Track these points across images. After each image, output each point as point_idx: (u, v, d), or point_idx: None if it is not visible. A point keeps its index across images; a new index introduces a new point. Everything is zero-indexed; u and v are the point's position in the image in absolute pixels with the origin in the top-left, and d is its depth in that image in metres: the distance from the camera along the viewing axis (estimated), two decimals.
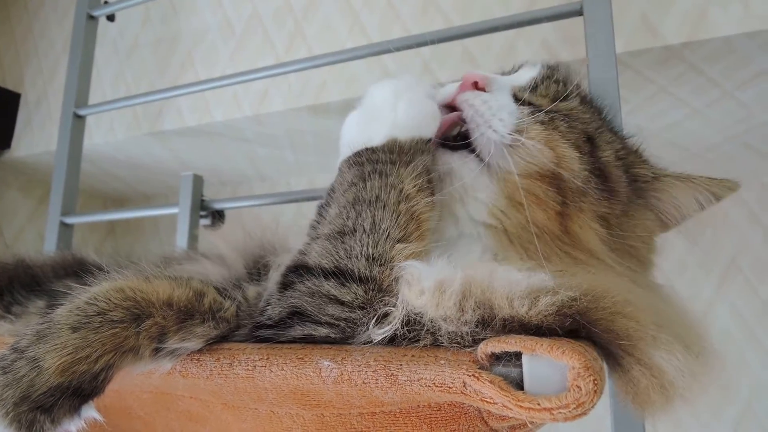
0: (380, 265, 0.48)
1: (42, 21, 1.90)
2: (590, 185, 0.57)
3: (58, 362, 0.43)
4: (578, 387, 0.35)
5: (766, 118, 1.24)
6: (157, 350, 0.48)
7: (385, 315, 0.46)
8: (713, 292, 1.43)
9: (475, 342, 0.42)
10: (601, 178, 0.58)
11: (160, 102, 1.53)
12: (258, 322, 0.51)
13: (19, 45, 1.93)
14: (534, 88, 0.64)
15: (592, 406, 0.36)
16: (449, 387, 0.39)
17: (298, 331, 0.48)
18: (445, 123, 0.60)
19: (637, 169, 0.63)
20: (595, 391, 0.35)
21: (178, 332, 0.48)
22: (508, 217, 0.56)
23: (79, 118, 1.41)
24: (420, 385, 0.41)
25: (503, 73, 0.70)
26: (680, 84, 1.14)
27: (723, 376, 0.47)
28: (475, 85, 0.62)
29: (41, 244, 1.38)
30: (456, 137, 0.61)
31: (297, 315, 0.49)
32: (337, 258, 0.49)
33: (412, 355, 0.43)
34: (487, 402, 0.38)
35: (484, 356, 0.40)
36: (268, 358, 0.47)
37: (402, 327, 0.46)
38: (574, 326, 0.42)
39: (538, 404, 0.36)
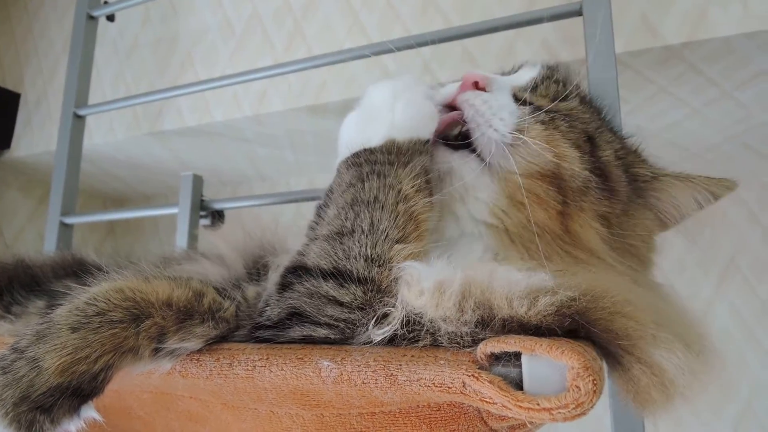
0: (379, 265, 0.48)
1: (42, 21, 1.90)
2: (591, 184, 0.57)
3: (58, 362, 0.43)
4: (577, 387, 0.35)
5: (765, 118, 1.24)
6: (156, 350, 0.48)
7: (385, 315, 0.46)
8: (712, 292, 1.43)
9: (475, 342, 0.42)
10: (601, 177, 0.58)
11: (159, 102, 1.53)
12: (257, 323, 0.51)
13: (19, 45, 1.93)
14: (534, 88, 0.65)
15: (592, 406, 0.36)
16: (449, 387, 0.40)
17: (297, 332, 0.48)
18: (444, 122, 0.60)
19: (636, 169, 0.63)
20: (595, 391, 0.35)
21: (177, 332, 0.48)
22: (509, 216, 0.56)
23: (79, 118, 1.41)
24: (419, 386, 0.41)
25: (503, 74, 0.71)
26: (680, 84, 1.15)
27: (723, 375, 0.47)
28: (476, 85, 0.62)
29: (41, 244, 1.38)
30: (457, 137, 0.61)
31: (296, 316, 0.49)
32: (336, 259, 0.50)
33: (412, 356, 0.43)
34: (486, 402, 0.38)
35: (483, 356, 0.40)
36: (267, 358, 0.47)
37: (402, 327, 0.46)
38: (573, 326, 0.42)
39: (538, 404, 0.36)
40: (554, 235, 0.55)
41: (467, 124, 0.60)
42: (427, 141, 0.58)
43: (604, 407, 0.61)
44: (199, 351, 0.51)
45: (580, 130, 0.60)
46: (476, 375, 0.39)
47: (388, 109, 0.58)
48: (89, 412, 0.46)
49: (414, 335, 0.46)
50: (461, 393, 0.39)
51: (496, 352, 0.40)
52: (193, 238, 1.19)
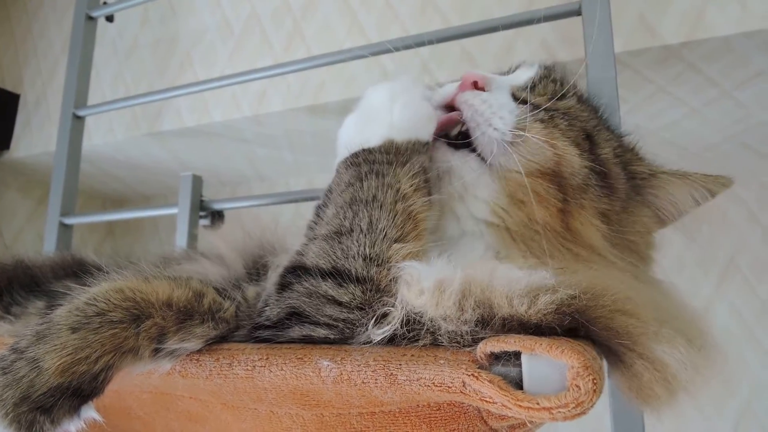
0: (377, 265, 0.48)
1: (41, 22, 1.90)
2: (590, 182, 0.58)
3: (58, 363, 0.43)
4: (577, 386, 0.35)
5: (764, 117, 1.24)
6: (156, 351, 0.48)
7: (384, 315, 0.46)
8: (712, 292, 1.43)
9: (475, 341, 0.42)
10: (600, 175, 0.59)
11: (159, 102, 1.53)
12: (257, 323, 0.51)
13: (19, 46, 1.93)
14: (532, 87, 0.65)
15: (591, 406, 0.36)
16: (448, 386, 0.40)
17: (296, 331, 0.48)
18: (443, 122, 0.60)
19: (634, 167, 0.63)
20: (594, 391, 0.35)
21: (177, 333, 0.48)
22: (510, 215, 0.56)
23: (79, 119, 1.41)
24: (419, 385, 0.41)
25: (501, 74, 0.71)
26: (679, 83, 1.15)
27: (724, 371, 0.47)
28: (475, 85, 0.62)
29: (40, 245, 1.38)
30: (457, 136, 0.61)
31: (295, 316, 0.49)
32: (335, 258, 0.50)
33: (412, 355, 0.43)
34: (486, 401, 0.38)
35: (483, 356, 0.40)
36: (267, 358, 0.47)
37: (401, 327, 0.46)
38: (573, 325, 0.42)
39: (538, 404, 0.36)
40: (555, 232, 0.55)
41: (467, 123, 0.60)
42: (426, 142, 0.58)
43: (604, 406, 0.61)
44: (199, 351, 0.51)
45: (579, 128, 0.61)
46: (476, 374, 0.39)
47: (387, 110, 0.58)
48: (89, 412, 0.46)
49: (414, 335, 0.46)
50: (461, 392, 0.39)
51: (495, 351, 0.40)
52: (192, 238, 1.19)
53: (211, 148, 1.67)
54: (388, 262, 0.49)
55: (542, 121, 0.59)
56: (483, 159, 0.58)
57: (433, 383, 0.40)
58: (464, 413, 0.44)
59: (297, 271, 0.51)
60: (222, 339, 0.52)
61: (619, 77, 0.87)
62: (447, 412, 0.44)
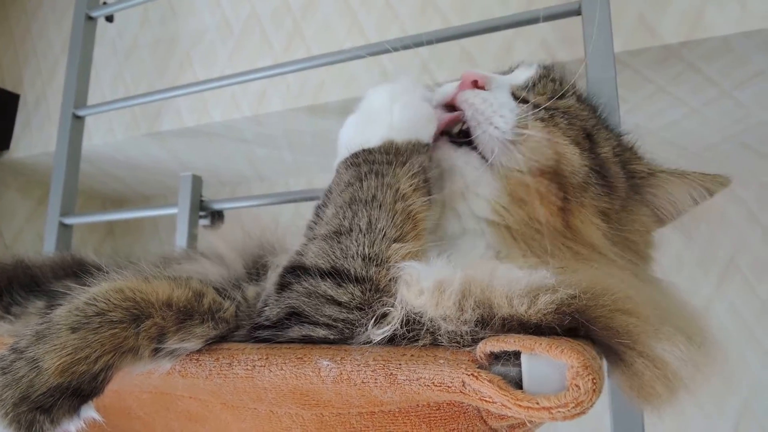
0: (376, 265, 0.48)
1: (40, 22, 1.90)
2: (591, 180, 0.58)
3: (58, 363, 0.43)
4: (577, 386, 0.35)
5: (763, 117, 1.24)
6: (156, 350, 0.48)
7: (384, 315, 0.46)
8: (712, 292, 1.43)
9: (475, 341, 0.42)
10: (600, 173, 0.59)
11: (158, 102, 1.53)
12: (256, 323, 0.51)
13: (18, 46, 1.93)
14: (531, 86, 0.65)
15: (591, 405, 0.36)
16: (448, 386, 0.40)
17: (296, 331, 0.48)
18: (445, 121, 0.61)
19: (633, 166, 0.64)
20: (594, 390, 0.35)
21: (177, 333, 0.48)
22: (511, 213, 0.56)
23: (78, 119, 1.41)
24: (419, 385, 0.41)
25: (500, 74, 0.71)
26: (678, 83, 1.15)
27: (724, 368, 0.47)
28: (475, 84, 0.62)
29: (40, 245, 1.38)
30: (458, 134, 0.61)
31: (295, 316, 0.49)
32: (334, 258, 0.50)
33: (411, 355, 0.43)
34: (486, 401, 0.38)
35: (483, 355, 0.40)
36: (267, 358, 0.47)
37: (401, 327, 0.46)
38: (573, 324, 0.42)
39: (537, 403, 0.36)
40: (556, 231, 0.56)
41: (467, 122, 0.60)
42: (426, 143, 0.58)
43: (603, 406, 0.61)
44: (199, 351, 0.51)
45: (579, 127, 0.61)
46: (476, 374, 0.39)
47: (387, 111, 0.59)
48: (89, 412, 0.46)
49: (414, 334, 0.46)
50: (461, 392, 0.39)
51: (495, 351, 0.40)
52: (192, 238, 1.19)
53: (211, 148, 1.67)
54: (387, 262, 0.49)
55: (543, 119, 0.59)
56: (484, 158, 0.58)
57: (433, 383, 0.40)
58: (464, 413, 0.44)
59: (296, 271, 0.51)
60: (222, 339, 0.52)
61: (619, 77, 0.87)
62: (447, 411, 0.44)
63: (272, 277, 0.54)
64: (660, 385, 0.43)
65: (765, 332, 1.37)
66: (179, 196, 1.22)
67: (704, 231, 1.43)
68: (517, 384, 0.38)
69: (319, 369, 0.44)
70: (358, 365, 0.43)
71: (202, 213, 1.23)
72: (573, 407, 0.35)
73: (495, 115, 0.59)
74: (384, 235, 0.50)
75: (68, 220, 1.34)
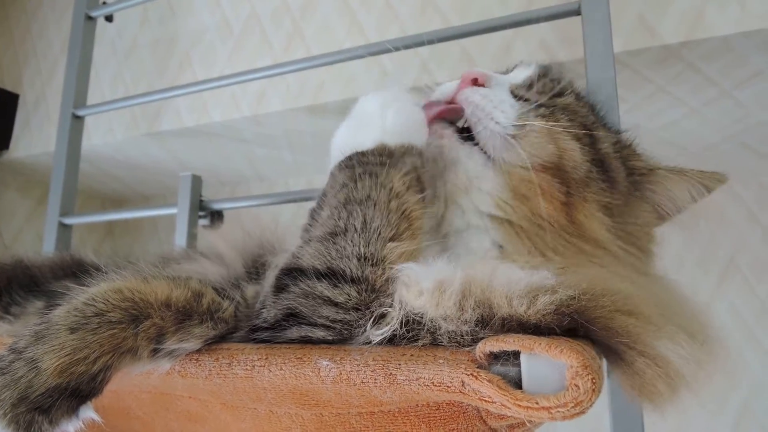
0: (372, 264, 0.48)
1: (40, 21, 1.90)
2: (592, 175, 0.58)
3: (56, 363, 0.43)
4: (576, 386, 0.35)
5: (763, 117, 1.24)
6: (155, 351, 0.48)
7: (383, 316, 0.46)
8: (712, 292, 1.43)
9: (474, 341, 0.42)
10: (601, 168, 0.60)
11: (158, 102, 1.53)
12: (254, 325, 0.51)
13: (18, 46, 1.93)
14: (531, 85, 0.65)
15: (591, 405, 0.36)
16: (448, 386, 0.40)
17: (294, 332, 0.48)
18: (443, 110, 0.61)
19: (632, 162, 0.64)
20: (594, 390, 0.35)
21: (176, 333, 0.48)
22: (514, 209, 0.57)
23: (78, 119, 1.41)
24: (418, 385, 0.41)
25: (500, 74, 0.71)
26: (678, 83, 1.15)
27: (725, 368, 0.47)
28: (475, 82, 0.63)
29: (40, 245, 1.38)
30: (461, 130, 0.62)
31: (292, 317, 0.49)
32: (329, 258, 0.49)
33: (411, 355, 0.43)
34: (485, 401, 0.38)
35: (482, 355, 0.40)
36: (266, 358, 0.47)
37: (401, 327, 0.46)
38: (572, 325, 0.42)
39: (537, 403, 0.36)
40: (559, 226, 0.56)
41: (468, 120, 0.61)
42: (419, 148, 0.59)
43: (603, 406, 0.61)
44: (198, 351, 0.51)
45: (579, 123, 0.62)
46: (475, 374, 0.39)
47: (379, 116, 0.59)
48: (88, 412, 0.45)
49: (413, 335, 0.45)
50: (460, 392, 0.39)
51: (495, 351, 0.40)
52: (192, 238, 1.19)
53: (211, 148, 1.67)
54: (382, 261, 0.49)
55: (543, 116, 0.60)
56: (486, 153, 0.59)
57: (433, 383, 0.40)
58: (463, 413, 0.44)
59: (293, 272, 0.51)
60: (221, 339, 0.52)
61: (619, 77, 0.87)
62: (446, 411, 0.44)
63: (270, 278, 0.54)
64: (661, 384, 0.43)
65: (765, 332, 1.37)
66: (179, 196, 1.22)
67: (704, 231, 1.43)
68: (517, 384, 0.38)
69: (319, 369, 0.44)
70: (358, 365, 0.43)
71: (201, 213, 1.23)
72: (572, 407, 0.35)
73: (495, 110, 0.60)
74: (379, 234, 0.50)
75: (68, 220, 1.34)
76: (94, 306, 0.46)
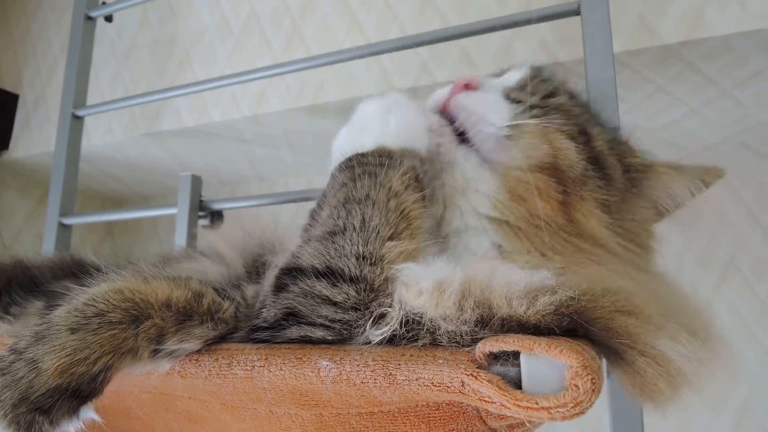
0: (371, 264, 0.48)
1: (40, 22, 1.90)
2: (588, 173, 0.58)
3: (57, 364, 0.43)
4: (576, 386, 0.35)
5: (763, 117, 1.24)
6: (155, 351, 0.48)
7: (382, 316, 0.46)
8: (712, 292, 1.43)
9: (474, 341, 0.42)
10: (597, 166, 0.60)
11: (158, 103, 1.53)
12: (254, 325, 0.51)
13: (17, 46, 1.93)
14: (523, 87, 0.66)
15: (590, 405, 0.36)
16: (447, 386, 0.40)
17: (294, 332, 0.48)
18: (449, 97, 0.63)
19: (629, 159, 0.64)
20: (593, 390, 0.35)
21: (176, 333, 0.48)
22: (511, 210, 0.57)
23: (78, 119, 1.41)
24: (418, 385, 0.41)
25: (492, 77, 0.72)
26: (678, 83, 1.15)
27: (727, 366, 0.47)
28: (467, 87, 0.64)
29: (40, 245, 1.38)
30: (458, 134, 0.62)
31: (292, 316, 0.49)
32: (328, 258, 0.50)
33: (411, 355, 0.43)
34: (485, 401, 0.38)
35: (482, 355, 0.40)
36: (266, 358, 0.47)
37: (400, 327, 0.46)
38: (571, 326, 0.42)
39: (536, 403, 0.36)
40: (558, 225, 0.56)
41: (462, 125, 0.61)
42: (420, 154, 0.59)
43: (603, 406, 0.61)
44: (198, 351, 0.51)
45: (573, 122, 0.62)
46: (475, 374, 0.39)
47: (381, 120, 0.60)
48: (88, 413, 0.46)
49: (413, 335, 0.45)
50: (460, 392, 0.39)
51: (494, 351, 0.40)
52: (191, 238, 1.19)
53: (211, 149, 1.67)
54: (381, 260, 0.49)
55: (537, 117, 0.60)
56: (482, 156, 0.59)
57: (432, 383, 0.40)
58: (463, 413, 0.44)
59: (292, 272, 0.51)
60: (221, 339, 0.52)
61: (618, 77, 0.87)
62: (446, 411, 0.44)
63: (270, 278, 0.54)
64: (663, 383, 0.43)
65: (765, 332, 1.37)
66: (178, 196, 1.22)
67: (704, 231, 1.43)
68: (516, 384, 0.38)
69: (319, 369, 0.44)
70: (358, 365, 0.43)
71: (201, 213, 1.23)
72: (572, 407, 0.35)
73: (489, 112, 0.60)
74: (378, 233, 0.50)
75: (67, 221, 1.34)
76: (95, 306, 0.46)
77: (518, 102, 0.63)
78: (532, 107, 0.61)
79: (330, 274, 0.48)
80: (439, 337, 0.45)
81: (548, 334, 0.41)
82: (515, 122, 0.59)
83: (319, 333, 0.47)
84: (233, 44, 1.50)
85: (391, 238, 0.50)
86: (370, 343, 0.46)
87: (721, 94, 1.17)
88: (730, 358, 0.48)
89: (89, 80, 1.45)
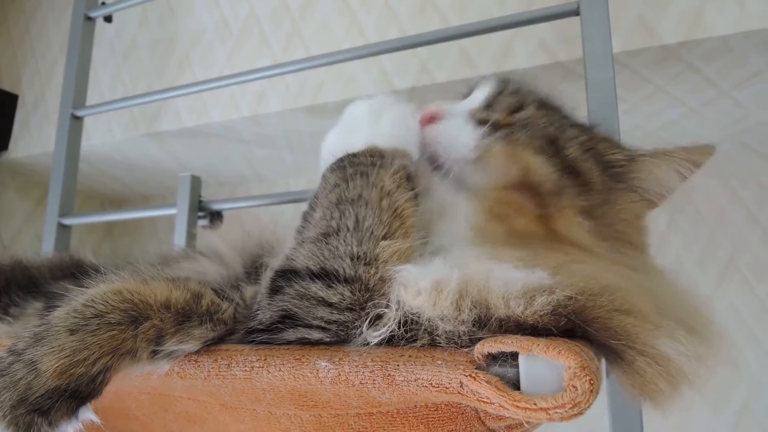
0: (365, 264, 0.48)
1: (39, 22, 1.90)
2: (563, 183, 0.58)
3: (56, 365, 0.43)
4: (574, 387, 0.35)
5: (762, 117, 1.24)
6: (154, 352, 0.48)
7: (379, 317, 0.46)
8: (711, 292, 1.43)
9: (472, 342, 0.42)
10: (572, 174, 0.59)
11: (157, 103, 1.53)
12: (250, 327, 0.51)
13: (17, 46, 1.93)
14: (489, 105, 0.67)
15: (589, 406, 0.36)
16: (446, 387, 0.40)
17: (291, 335, 0.48)
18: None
19: (609, 156, 0.64)
20: (591, 391, 0.35)
21: (175, 334, 0.48)
22: (492, 230, 0.57)
23: (77, 119, 1.41)
24: (417, 386, 0.41)
25: (463, 96, 0.73)
26: (677, 83, 1.15)
27: (727, 364, 0.47)
28: (431, 120, 0.64)
29: (39, 246, 1.38)
30: (432, 165, 0.63)
31: (288, 319, 0.49)
32: (323, 259, 0.50)
33: (409, 356, 0.43)
34: (483, 402, 0.38)
35: (480, 356, 0.40)
36: (265, 359, 0.47)
37: (399, 328, 0.46)
38: (569, 326, 0.42)
39: (535, 404, 0.36)
40: (540, 238, 0.56)
41: (432, 156, 0.62)
42: (410, 154, 0.60)
43: (602, 406, 0.61)
44: (197, 352, 0.51)
45: (540, 135, 0.62)
46: (473, 375, 0.39)
47: (371, 119, 0.61)
48: (87, 414, 0.45)
49: (412, 335, 0.45)
50: (459, 393, 0.39)
51: (493, 352, 0.40)
52: (191, 238, 1.19)
53: (210, 149, 1.67)
54: (375, 260, 0.49)
55: (503, 138, 0.61)
56: (456, 181, 0.60)
57: (431, 384, 0.40)
58: (462, 414, 0.44)
59: (287, 274, 0.51)
60: (220, 340, 0.52)
61: (618, 77, 0.87)
62: (444, 412, 0.44)
63: (266, 280, 0.54)
64: (663, 382, 0.43)
65: (765, 332, 1.37)
66: (178, 197, 1.22)
67: (704, 231, 1.43)
68: (515, 385, 0.38)
69: (317, 370, 0.44)
70: (356, 366, 0.43)
71: (200, 213, 1.23)
72: (570, 408, 0.35)
73: (454, 141, 0.61)
74: (371, 233, 0.50)
75: (67, 221, 1.34)
76: (94, 307, 0.46)
77: (485, 122, 0.63)
78: (497, 126, 0.62)
79: (325, 276, 0.48)
80: (437, 337, 0.45)
81: (546, 335, 0.41)
82: (481, 146, 0.60)
83: (315, 335, 0.47)
84: (233, 44, 1.50)
85: (384, 238, 0.50)
86: (368, 344, 0.46)
87: (721, 95, 1.17)
88: (730, 355, 0.48)
89: (89, 80, 1.45)
